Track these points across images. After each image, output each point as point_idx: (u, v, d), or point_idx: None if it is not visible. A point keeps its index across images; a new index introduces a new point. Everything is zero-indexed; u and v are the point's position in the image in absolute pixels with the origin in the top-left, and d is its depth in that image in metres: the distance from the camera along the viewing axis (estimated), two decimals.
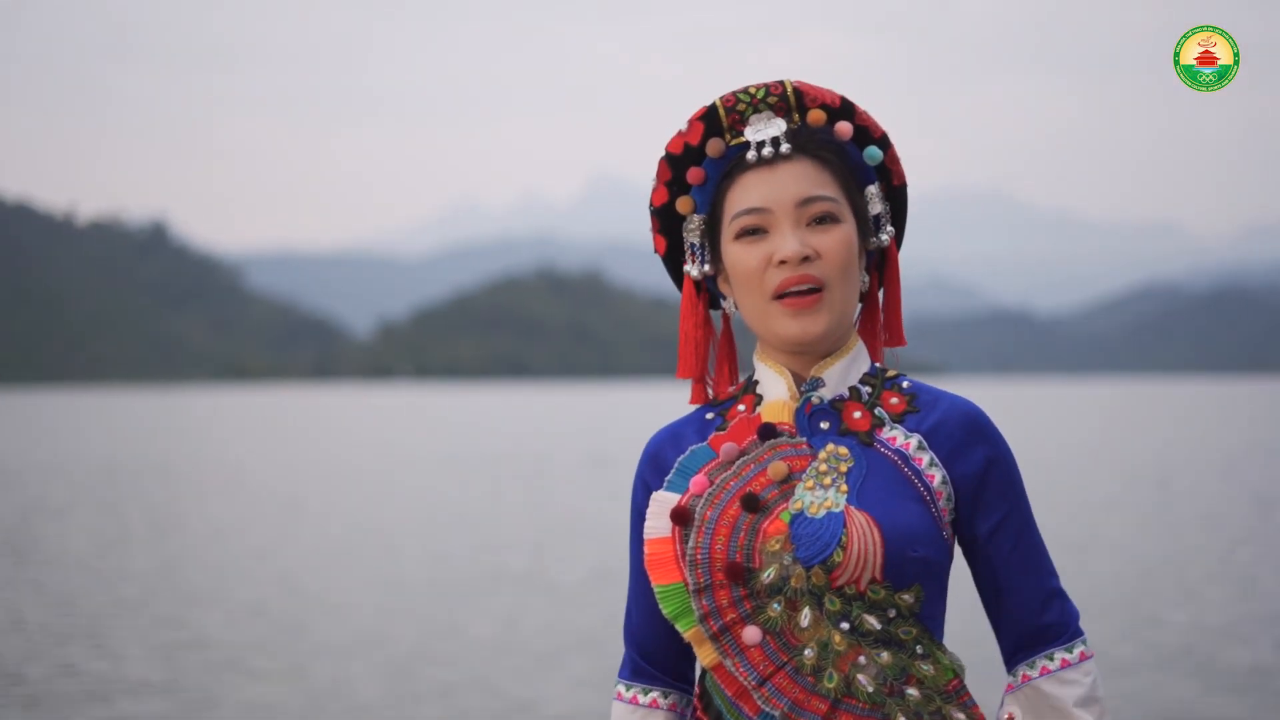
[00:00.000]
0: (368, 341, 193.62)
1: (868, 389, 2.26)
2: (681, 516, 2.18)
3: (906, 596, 2.14)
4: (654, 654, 2.32)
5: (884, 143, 2.28)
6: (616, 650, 10.91)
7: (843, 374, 2.25)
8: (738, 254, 2.21)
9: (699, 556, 2.16)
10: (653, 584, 2.20)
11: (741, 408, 2.28)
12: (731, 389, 2.35)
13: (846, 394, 2.25)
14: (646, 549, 2.21)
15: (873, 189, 2.27)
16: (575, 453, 36.97)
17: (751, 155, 2.21)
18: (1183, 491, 23.22)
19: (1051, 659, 2.21)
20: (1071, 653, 2.21)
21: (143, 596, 13.47)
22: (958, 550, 2.24)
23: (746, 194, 2.20)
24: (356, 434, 49.09)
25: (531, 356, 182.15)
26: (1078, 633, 2.23)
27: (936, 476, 2.18)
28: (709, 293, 2.35)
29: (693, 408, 2.35)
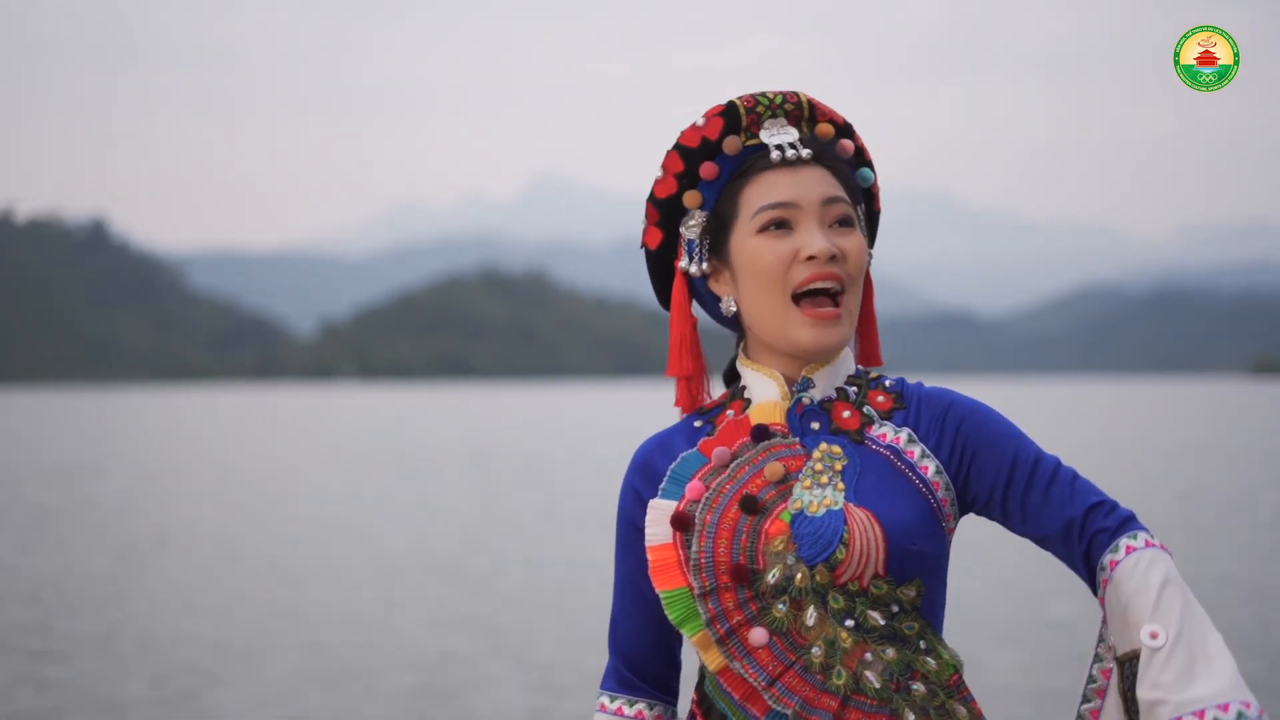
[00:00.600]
0: (310, 342, 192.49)
1: (854, 389, 2.28)
2: (682, 522, 2.18)
3: (909, 591, 2.16)
4: (641, 665, 2.32)
5: (872, 168, 2.34)
6: (556, 651, 11.11)
7: (831, 376, 2.27)
8: (759, 248, 2.22)
9: (703, 561, 2.16)
10: (657, 590, 2.20)
11: (730, 413, 2.29)
12: (716, 396, 2.36)
13: (834, 395, 2.27)
14: (650, 556, 2.21)
15: (860, 210, 2.31)
16: (516, 452, 37.06)
17: (775, 155, 2.23)
18: (1115, 490, 23.56)
19: (1116, 550, 2.14)
20: (1136, 539, 2.14)
21: (64, 601, 13.52)
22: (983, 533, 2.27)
23: (772, 190, 2.22)
24: (297, 434, 48.98)
25: (474, 356, 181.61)
26: (1137, 527, 2.17)
27: (930, 467, 2.20)
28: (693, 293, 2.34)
29: (673, 415, 2.34)
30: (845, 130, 2.31)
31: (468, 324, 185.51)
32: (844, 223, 2.24)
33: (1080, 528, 2.17)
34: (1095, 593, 2.18)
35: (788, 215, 2.21)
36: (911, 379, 2.32)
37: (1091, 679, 2.17)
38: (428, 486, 26.33)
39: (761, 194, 2.22)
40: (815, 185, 2.23)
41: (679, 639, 2.32)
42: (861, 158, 2.33)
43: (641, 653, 2.32)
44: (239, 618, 12.32)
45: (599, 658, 10.60)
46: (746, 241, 2.23)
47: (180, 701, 9.25)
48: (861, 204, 2.32)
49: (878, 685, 2.14)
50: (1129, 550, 2.13)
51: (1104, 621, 2.17)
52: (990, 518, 2.25)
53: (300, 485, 26.76)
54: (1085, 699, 2.17)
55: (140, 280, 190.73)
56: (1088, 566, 2.17)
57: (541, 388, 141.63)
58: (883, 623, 2.15)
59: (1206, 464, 29.74)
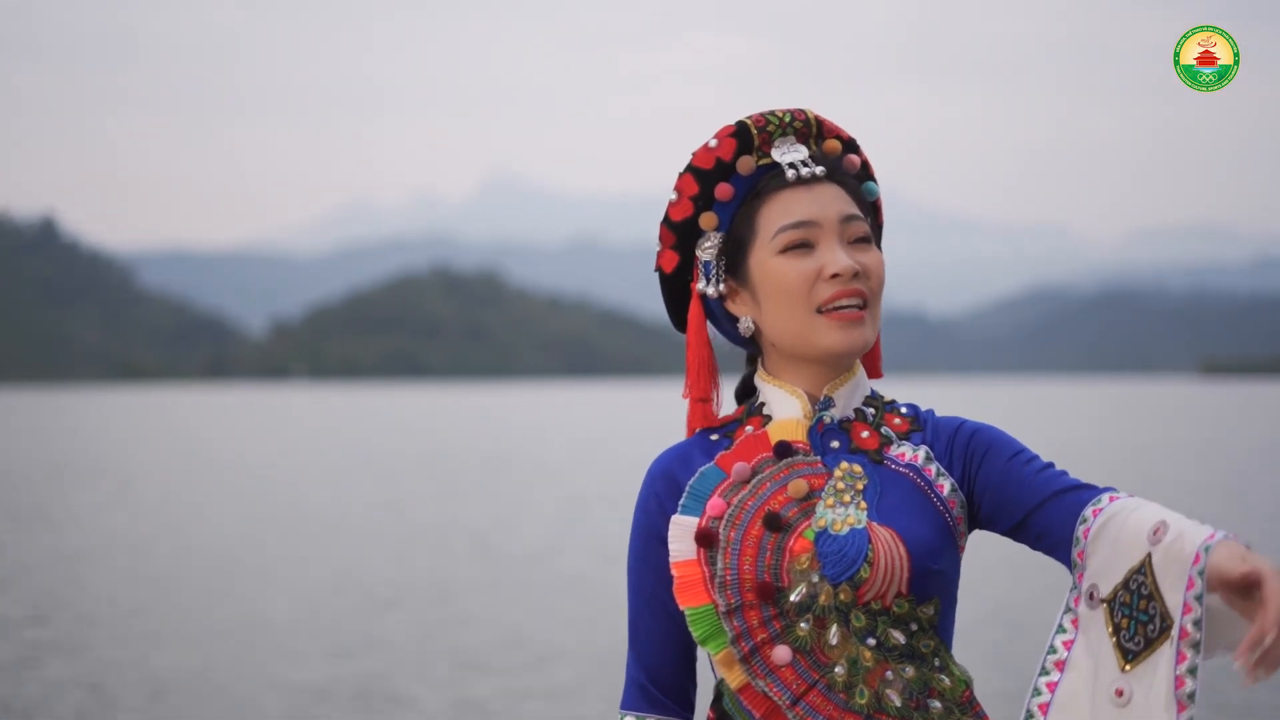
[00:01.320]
0: (261, 341, 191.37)
1: (871, 410, 2.30)
2: (706, 538, 2.18)
3: (928, 609, 2.18)
4: (666, 679, 2.29)
5: (876, 181, 2.37)
6: (507, 653, 11.16)
7: (849, 396, 2.29)
8: (782, 268, 2.22)
9: (728, 578, 2.16)
10: (681, 607, 2.19)
11: (749, 429, 2.29)
12: (731, 412, 2.35)
13: (853, 415, 2.29)
14: (675, 573, 2.20)
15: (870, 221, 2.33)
16: (471, 452, 37.03)
17: (791, 174, 2.24)
18: None
19: (1100, 501, 2.14)
20: (1120, 494, 2.15)
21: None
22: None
23: (790, 209, 2.23)
24: (248, 434, 48.81)
25: (427, 356, 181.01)
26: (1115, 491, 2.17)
27: (946, 486, 2.22)
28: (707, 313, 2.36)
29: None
30: (851, 145, 2.33)
31: (420, 323, 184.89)
32: (863, 239, 2.25)
33: (1069, 490, 2.17)
34: (1073, 552, 2.14)
35: (809, 235, 2.22)
36: (924, 406, 2.35)
37: (1052, 649, 2.14)
38: (380, 487, 26.29)
39: (780, 214, 2.23)
40: (833, 203, 2.24)
41: (697, 651, 2.30)
42: (867, 172, 2.34)
43: (667, 667, 2.29)
44: (188, 628, 12.30)
45: (548, 657, 10.64)
46: (767, 262, 2.24)
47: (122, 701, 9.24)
48: (870, 217, 2.32)
49: (899, 704, 2.14)
50: (1113, 499, 2.13)
51: (1078, 577, 2.13)
52: (993, 518, 2.24)
53: (251, 484, 26.68)
54: (1043, 671, 2.13)
55: (90, 279, 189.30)
56: (1068, 526, 2.14)
57: (494, 387, 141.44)
58: (903, 641, 2.16)
59: (1155, 464, 29.98)
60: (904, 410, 2.32)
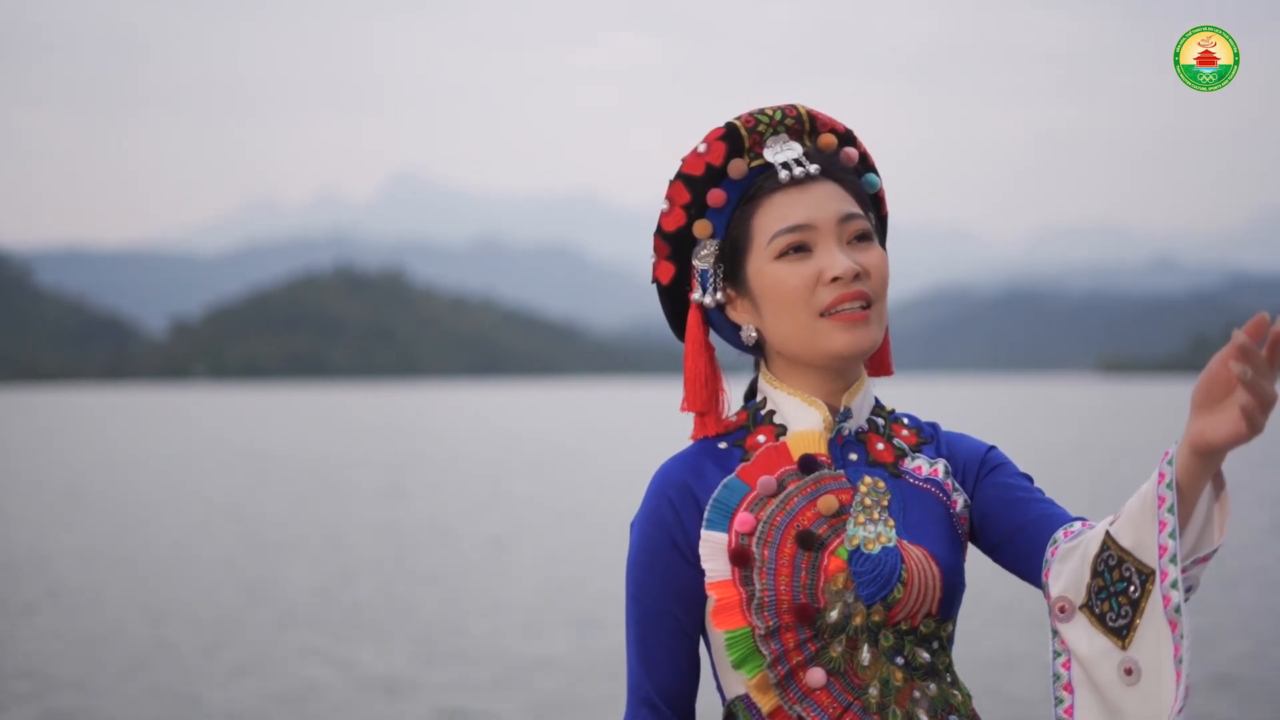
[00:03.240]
0: (162, 341, 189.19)
1: (880, 420, 2.25)
2: (742, 558, 2.11)
3: (948, 627, 2.16)
4: (677, 697, 2.20)
5: (877, 173, 2.29)
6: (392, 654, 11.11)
7: (863, 404, 2.23)
8: (780, 274, 2.15)
9: (766, 599, 2.09)
10: (718, 630, 2.13)
11: (761, 439, 2.21)
12: (733, 417, 2.26)
13: (866, 426, 2.23)
14: (713, 594, 2.13)
15: (870, 217, 2.24)
16: (371, 454, 36.90)
17: (784, 175, 2.16)
18: None
19: (1072, 525, 2.13)
20: (1091, 523, 2.13)
21: None
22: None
23: (785, 212, 2.15)
24: (147, 436, 48.33)
25: (330, 356, 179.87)
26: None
27: (959, 503, 2.20)
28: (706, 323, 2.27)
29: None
30: (847, 138, 2.25)
31: (323, 323, 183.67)
32: (862, 238, 2.17)
33: (1053, 517, 2.14)
34: (1042, 572, 2.12)
35: (805, 238, 2.14)
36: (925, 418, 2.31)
37: (1056, 677, 2.10)
38: (284, 489, 26.12)
39: (775, 218, 2.16)
40: (829, 203, 2.16)
41: (701, 666, 2.23)
42: (866, 164, 2.27)
43: (679, 685, 2.20)
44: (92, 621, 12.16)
45: (425, 663, 10.61)
46: (765, 268, 2.16)
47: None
48: (871, 211, 2.24)
49: None
50: (1085, 525, 2.11)
51: (1048, 599, 2.11)
52: (976, 535, 2.22)
53: (151, 487, 26.41)
54: (1057, 701, 2.09)
55: None
56: (1042, 548, 2.12)
57: (399, 387, 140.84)
58: (928, 660, 2.13)
59: (1054, 461, 30.31)
60: (906, 421, 2.27)
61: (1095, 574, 2.03)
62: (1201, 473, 1.94)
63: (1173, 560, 1.94)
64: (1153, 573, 1.97)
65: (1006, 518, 2.17)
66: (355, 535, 18.58)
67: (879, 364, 2.30)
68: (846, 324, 2.13)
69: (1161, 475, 1.95)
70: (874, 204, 2.27)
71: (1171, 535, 1.94)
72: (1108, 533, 2.02)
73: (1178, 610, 1.93)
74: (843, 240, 2.15)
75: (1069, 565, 2.06)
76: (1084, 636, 2.04)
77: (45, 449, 39.88)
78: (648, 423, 53.18)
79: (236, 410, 76.86)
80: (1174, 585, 1.94)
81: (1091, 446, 36.39)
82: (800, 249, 2.14)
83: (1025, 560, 2.15)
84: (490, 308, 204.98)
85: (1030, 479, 2.23)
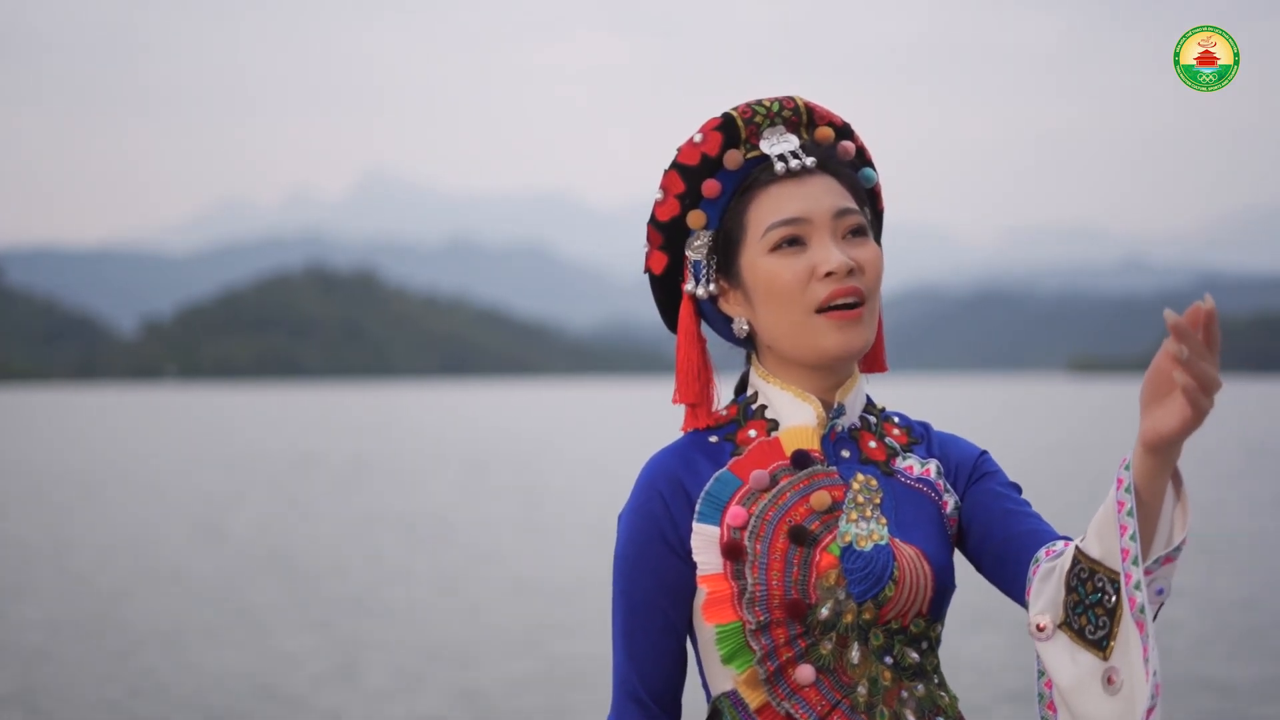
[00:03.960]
0: (133, 341, 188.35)
1: (872, 418, 2.24)
2: (734, 551, 2.10)
3: (937, 628, 2.16)
4: (664, 693, 2.19)
5: (874, 167, 2.27)
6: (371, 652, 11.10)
7: (855, 401, 2.22)
8: (773, 267, 2.13)
9: (758, 594, 2.08)
10: (708, 624, 2.12)
11: (752, 433, 2.20)
12: (723, 411, 2.25)
13: (859, 423, 2.23)
14: (704, 587, 2.12)
15: (866, 212, 2.22)
16: (344, 453, 36.84)
17: (780, 167, 2.15)
18: None
19: (1055, 544, 2.10)
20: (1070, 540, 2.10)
21: None
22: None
23: (780, 205, 2.14)
24: (118, 436, 48.19)
25: (302, 355, 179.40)
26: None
27: (950, 504, 2.19)
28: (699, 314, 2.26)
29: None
30: (844, 131, 2.23)
31: (295, 323, 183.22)
32: (857, 232, 2.16)
33: (1040, 534, 2.12)
34: (1025, 591, 2.10)
35: (799, 231, 2.13)
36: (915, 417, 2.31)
37: (1040, 696, 2.08)
38: (254, 490, 26.08)
39: (770, 210, 2.14)
40: (824, 196, 2.15)
41: (688, 660, 2.22)
42: (863, 158, 2.25)
43: (663, 676, 2.18)
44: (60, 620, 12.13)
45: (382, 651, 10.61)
46: (758, 261, 2.15)
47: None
48: (867, 206, 2.23)
49: None
50: (1068, 544, 2.08)
51: (1030, 618, 2.07)
52: (963, 539, 2.21)
53: (121, 489, 26.34)
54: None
55: None
56: (1025, 564, 2.11)
57: (370, 387, 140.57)
58: (916, 660, 2.13)
59: (1024, 460, 30.41)
60: (897, 420, 2.26)
61: (1069, 589, 2.01)
62: (1159, 471, 1.93)
63: (1135, 562, 1.92)
64: (1118, 577, 1.97)
65: (993, 528, 2.16)
66: (327, 534, 18.56)
67: (872, 360, 2.31)
68: (840, 323, 2.12)
69: (1119, 481, 1.94)
70: (870, 199, 2.25)
71: (1132, 538, 1.92)
72: (1077, 547, 2.00)
73: (1142, 610, 1.91)
74: (838, 235, 2.14)
75: (1049, 585, 2.04)
76: (1066, 654, 2.02)
77: (13, 450, 39.72)
78: (621, 422, 53.16)
79: (208, 410, 76.61)
80: (1137, 586, 1.92)
81: (1061, 446, 36.50)
82: (794, 242, 2.13)
83: (1007, 575, 2.15)
84: (462, 307, 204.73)
85: (1019, 489, 2.22)
